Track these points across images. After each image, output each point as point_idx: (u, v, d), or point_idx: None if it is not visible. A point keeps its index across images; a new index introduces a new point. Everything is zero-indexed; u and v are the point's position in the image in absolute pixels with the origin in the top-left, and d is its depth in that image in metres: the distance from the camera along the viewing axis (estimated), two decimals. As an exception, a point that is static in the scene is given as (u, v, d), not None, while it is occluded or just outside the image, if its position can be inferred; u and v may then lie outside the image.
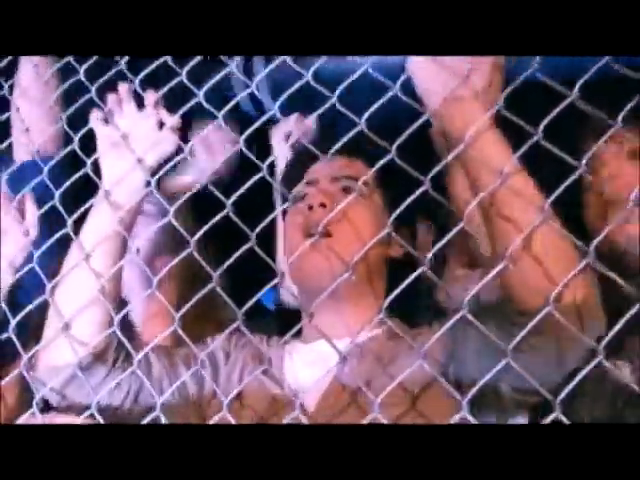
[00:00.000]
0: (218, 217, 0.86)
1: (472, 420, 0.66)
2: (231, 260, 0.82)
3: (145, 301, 1.26)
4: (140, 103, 1.05)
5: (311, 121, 1.31)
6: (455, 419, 0.66)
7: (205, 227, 0.87)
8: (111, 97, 1.05)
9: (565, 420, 0.62)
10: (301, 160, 1.15)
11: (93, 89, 1.06)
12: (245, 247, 0.81)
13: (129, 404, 0.97)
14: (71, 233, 0.96)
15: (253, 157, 0.87)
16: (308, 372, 0.94)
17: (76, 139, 1.04)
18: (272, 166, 0.86)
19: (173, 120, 1.03)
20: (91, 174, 1.01)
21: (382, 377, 0.90)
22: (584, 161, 0.72)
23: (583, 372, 0.65)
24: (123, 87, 1.05)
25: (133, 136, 1.05)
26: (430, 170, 0.79)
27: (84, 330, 0.96)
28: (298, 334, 1.09)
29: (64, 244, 0.99)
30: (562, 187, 0.74)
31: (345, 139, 0.85)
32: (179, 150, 1.01)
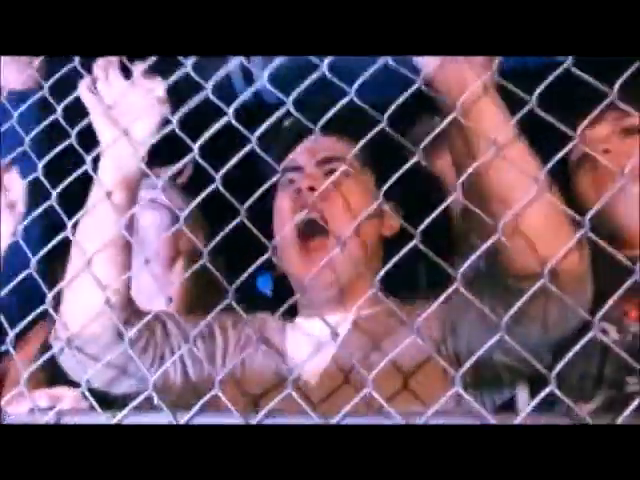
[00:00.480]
0: (208, 190, 0.84)
1: (465, 396, 0.66)
2: (222, 234, 0.80)
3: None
4: (128, 74, 1.02)
5: None
6: (448, 394, 0.66)
7: (194, 203, 0.86)
8: (97, 65, 1.02)
9: (559, 393, 0.62)
10: (284, 143, 1.14)
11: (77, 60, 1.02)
12: (235, 221, 0.80)
13: (154, 369, 0.97)
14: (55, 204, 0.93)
15: (242, 128, 0.85)
16: (309, 347, 0.95)
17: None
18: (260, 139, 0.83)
19: (158, 88, 1.01)
20: (76, 145, 0.96)
21: (378, 354, 0.90)
22: (578, 132, 0.71)
23: (578, 345, 0.65)
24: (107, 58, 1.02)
25: (121, 106, 1.01)
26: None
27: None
28: (297, 312, 1.09)
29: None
30: (557, 157, 0.73)
31: (331, 113, 0.81)
32: (167, 122, 0.97)
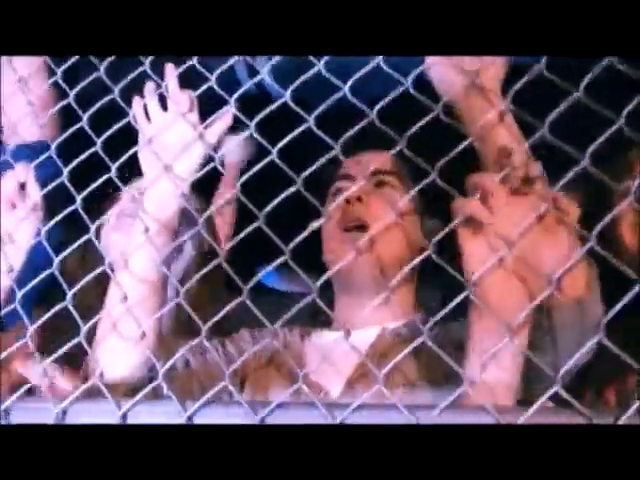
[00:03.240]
0: (229, 196, 0.87)
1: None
2: (241, 236, 0.82)
3: None
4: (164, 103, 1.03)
5: None
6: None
7: (212, 208, 0.89)
8: (136, 102, 1.03)
9: (564, 394, 0.64)
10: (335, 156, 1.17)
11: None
12: (254, 225, 0.82)
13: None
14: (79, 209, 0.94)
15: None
16: (335, 358, 0.96)
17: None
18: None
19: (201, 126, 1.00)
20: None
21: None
22: (587, 154, 0.74)
23: (583, 349, 0.67)
24: (149, 88, 1.03)
25: (162, 142, 1.01)
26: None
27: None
28: (324, 322, 1.11)
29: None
30: (565, 178, 0.76)
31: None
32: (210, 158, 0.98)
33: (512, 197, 0.77)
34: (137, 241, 0.97)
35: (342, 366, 0.95)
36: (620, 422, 0.61)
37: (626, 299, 0.66)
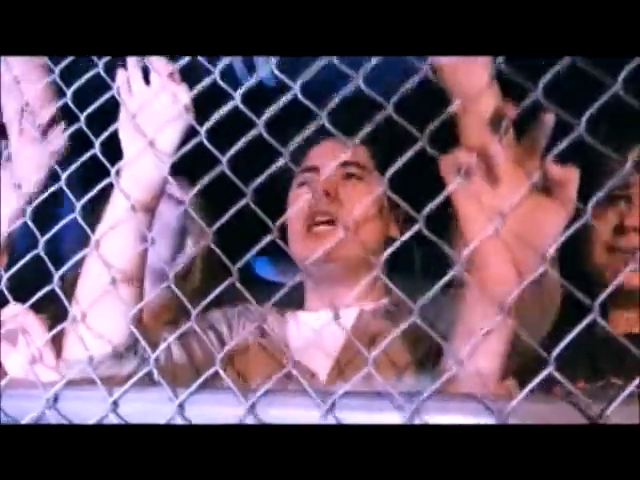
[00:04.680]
0: (213, 173, 0.85)
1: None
2: (226, 217, 0.81)
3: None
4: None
5: None
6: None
7: (199, 185, 0.86)
8: (120, 75, 0.99)
9: (559, 376, 0.62)
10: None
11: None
12: (241, 203, 0.80)
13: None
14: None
15: (249, 112, 0.85)
16: (315, 338, 0.96)
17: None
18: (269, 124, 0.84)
19: (185, 95, 0.97)
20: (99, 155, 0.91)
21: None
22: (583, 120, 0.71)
23: (576, 330, 0.65)
24: (131, 63, 0.99)
25: (145, 115, 0.98)
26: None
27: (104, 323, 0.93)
28: (299, 305, 1.11)
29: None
30: (560, 148, 0.73)
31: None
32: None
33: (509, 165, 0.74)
34: (117, 219, 0.95)
35: (328, 348, 0.94)
36: (610, 409, 0.60)
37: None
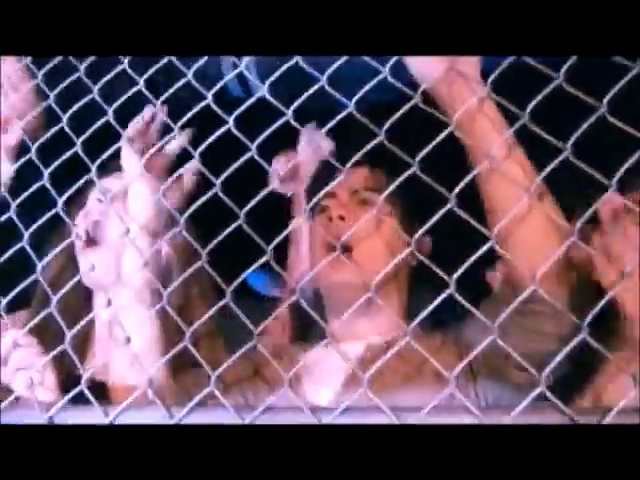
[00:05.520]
0: (207, 196, 0.86)
1: (459, 395, 0.67)
2: (220, 238, 0.82)
3: None
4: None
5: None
6: (444, 393, 0.67)
7: (193, 206, 0.88)
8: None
9: (549, 395, 0.64)
10: (324, 173, 1.18)
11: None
12: (234, 225, 0.81)
13: None
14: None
15: (242, 137, 0.87)
16: (324, 373, 0.98)
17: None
18: (261, 147, 0.85)
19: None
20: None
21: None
22: (569, 143, 0.73)
23: (566, 348, 0.67)
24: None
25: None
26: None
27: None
28: (316, 337, 1.12)
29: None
30: (548, 169, 0.75)
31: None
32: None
33: None
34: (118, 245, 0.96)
35: (331, 379, 0.96)
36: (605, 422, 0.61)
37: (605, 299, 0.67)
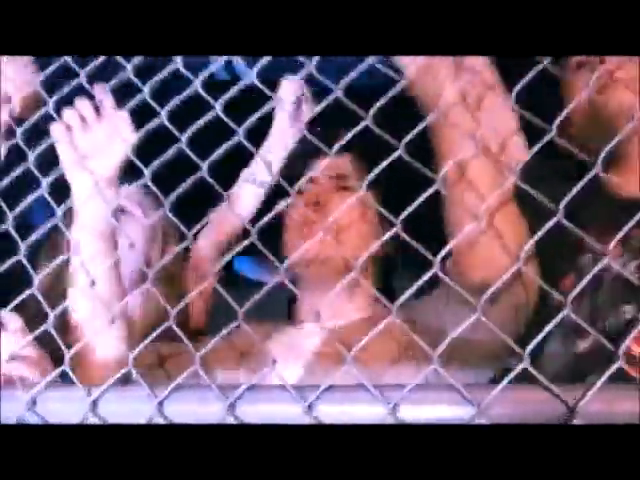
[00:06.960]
0: (192, 179, 0.86)
1: (442, 372, 0.67)
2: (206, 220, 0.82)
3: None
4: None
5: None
6: (427, 370, 0.67)
7: (178, 191, 0.88)
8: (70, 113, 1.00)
9: (534, 371, 0.64)
10: (304, 155, 1.20)
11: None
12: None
13: None
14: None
15: (229, 121, 0.87)
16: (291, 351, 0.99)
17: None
18: (250, 131, 0.85)
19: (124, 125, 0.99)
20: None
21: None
22: (554, 125, 0.74)
23: (549, 327, 0.67)
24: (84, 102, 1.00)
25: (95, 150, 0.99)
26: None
27: None
28: (287, 316, 1.13)
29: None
30: (533, 151, 0.76)
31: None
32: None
33: None
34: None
35: (300, 357, 0.97)
36: (586, 398, 0.61)
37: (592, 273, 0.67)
